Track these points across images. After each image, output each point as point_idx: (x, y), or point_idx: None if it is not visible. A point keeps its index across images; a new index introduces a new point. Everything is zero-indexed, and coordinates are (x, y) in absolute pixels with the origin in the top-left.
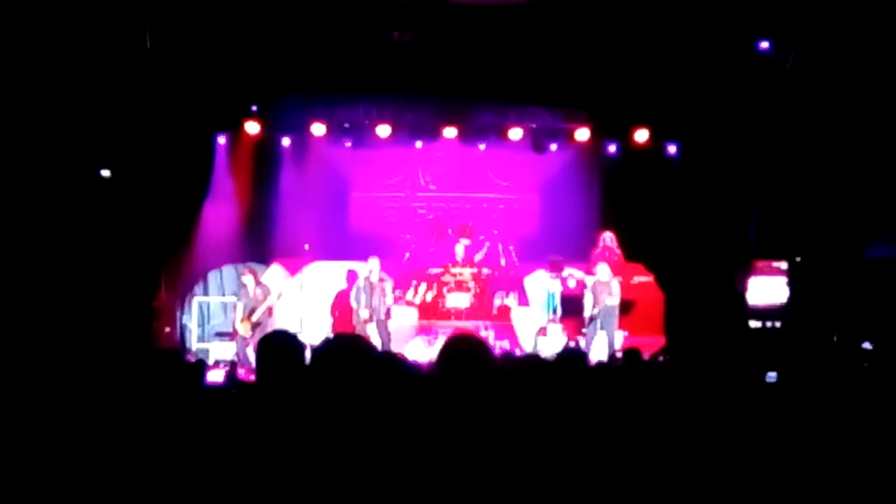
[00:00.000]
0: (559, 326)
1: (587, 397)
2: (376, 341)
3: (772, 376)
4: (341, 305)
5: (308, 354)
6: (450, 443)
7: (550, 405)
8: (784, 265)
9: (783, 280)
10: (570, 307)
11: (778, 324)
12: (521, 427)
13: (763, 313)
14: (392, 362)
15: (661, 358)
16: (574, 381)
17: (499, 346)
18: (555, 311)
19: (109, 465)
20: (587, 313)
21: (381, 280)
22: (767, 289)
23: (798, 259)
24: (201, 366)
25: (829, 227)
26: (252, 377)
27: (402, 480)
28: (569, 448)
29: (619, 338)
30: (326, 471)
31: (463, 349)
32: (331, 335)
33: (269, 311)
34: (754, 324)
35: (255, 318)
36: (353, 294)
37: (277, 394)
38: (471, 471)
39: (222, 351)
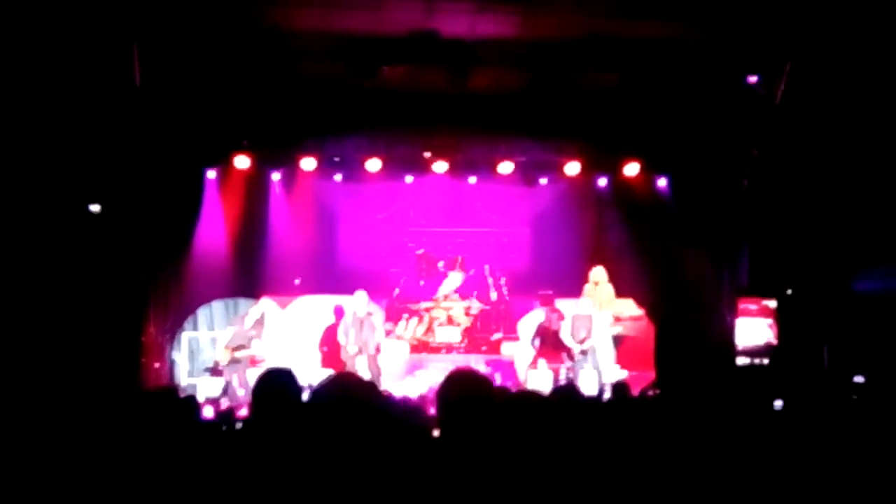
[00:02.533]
0: (545, 360)
1: (578, 433)
2: (365, 376)
3: (778, 405)
4: (329, 340)
5: (305, 393)
6: (455, 482)
7: (545, 441)
8: (773, 303)
9: (767, 321)
10: (549, 339)
11: (766, 360)
12: (523, 463)
13: (751, 352)
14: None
15: (650, 392)
16: (566, 417)
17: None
18: (533, 344)
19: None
20: (569, 345)
21: (370, 314)
22: (753, 329)
23: (789, 292)
24: (193, 403)
25: (819, 260)
26: (240, 412)
27: None
28: (564, 485)
29: (611, 372)
30: None
31: (465, 386)
32: (331, 374)
33: (253, 360)
34: (742, 360)
35: (238, 354)
36: (340, 329)
37: (272, 432)
38: None
39: (211, 386)
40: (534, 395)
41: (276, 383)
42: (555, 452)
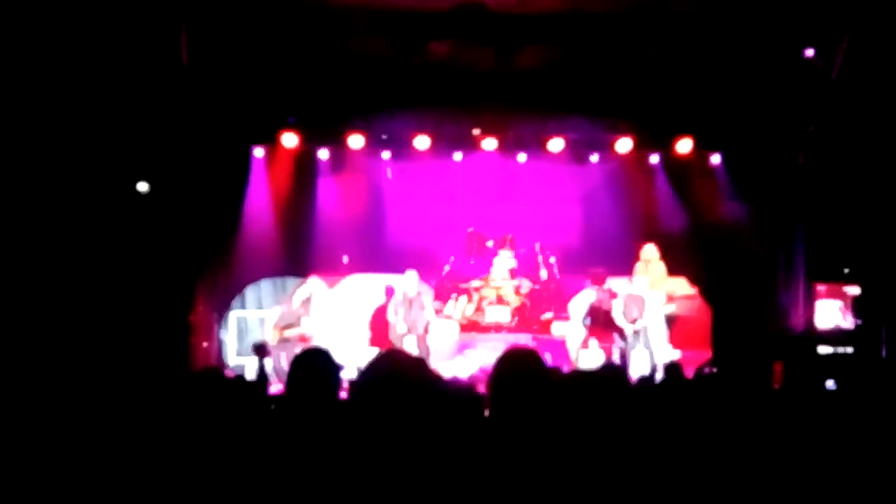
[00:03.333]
0: (596, 340)
1: (626, 414)
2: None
3: (831, 385)
4: (379, 320)
5: (348, 373)
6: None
7: (593, 422)
8: (852, 289)
9: (838, 304)
10: (601, 319)
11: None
12: (573, 444)
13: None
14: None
15: (706, 370)
16: (613, 398)
17: None
18: (584, 324)
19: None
20: (621, 325)
21: (419, 294)
22: (824, 312)
23: (846, 271)
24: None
25: (877, 240)
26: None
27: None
28: (614, 466)
29: (664, 352)
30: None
31: (519, 364)
32: (375, 352)
33: (302, 337)
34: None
35: (287, 333)
36: (390, 308)
37: (307, 412)
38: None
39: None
40: (586, 375)
41: (313, 363)
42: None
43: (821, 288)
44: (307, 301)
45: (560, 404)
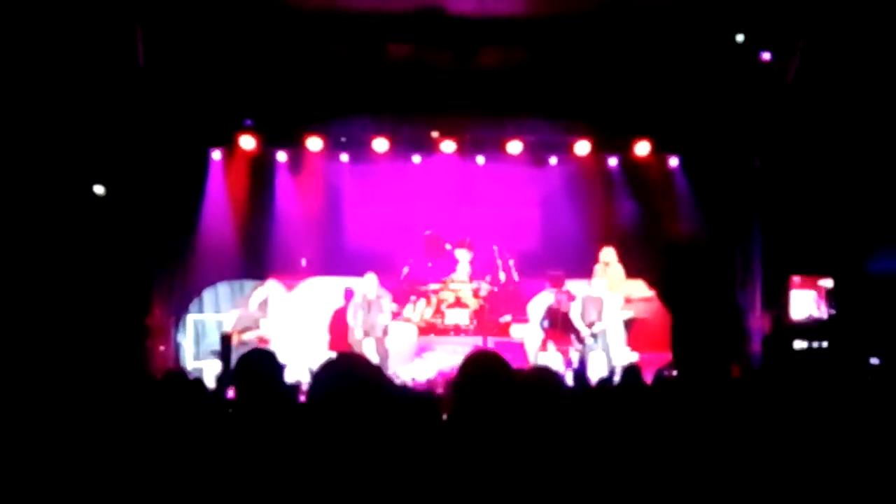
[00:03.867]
0: (554, 342)
1: (591, 417)
2: (373, 358)
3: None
4: (338, 323)
5: (302, 376)
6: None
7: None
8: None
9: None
10: (559, 321)
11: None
12: (536, 447)
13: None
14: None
15: (665, 373)
16: (553, 399)
17: None
18: (542, 326)
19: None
20: (579, 327)
21: (378, 297)
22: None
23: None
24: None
25: (831, 241)
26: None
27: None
28: (576, 468)
29: (622, 355)
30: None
31: (483, 367)
32: (333, 355)
33: (261, 339)
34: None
35: (245, 336)
36: (349, 311)
37: (253, 413)
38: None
39: (217, 369)
40: (550, 375)
41: (256, 364)
42: (568, 437)
43: (796, 279)
44: (264, 303)
45: (523, 407)
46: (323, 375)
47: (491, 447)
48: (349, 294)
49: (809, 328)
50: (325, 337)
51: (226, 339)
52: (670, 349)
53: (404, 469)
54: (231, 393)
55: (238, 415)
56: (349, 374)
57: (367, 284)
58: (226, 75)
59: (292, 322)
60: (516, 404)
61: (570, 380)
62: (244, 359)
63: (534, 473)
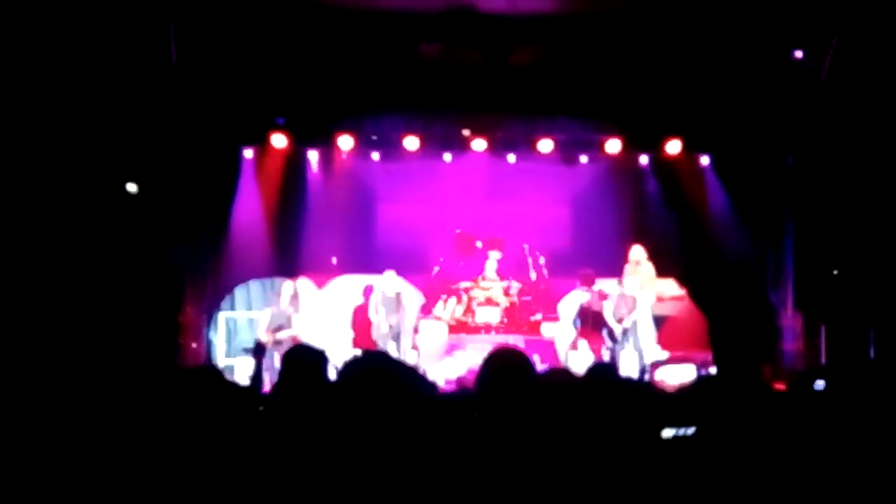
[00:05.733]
0: (585, 341)
1: (617, 414)
2: (399, 355)
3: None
4: (360, 320)
5: (333, 370)
6: (485, 461)
7: (579, 422)
8: None
9: None
10: (591, 320)
11: None
12: (556, 444)
13: None
14: (416, 383)
15: (703, 371)
16: (602, 398)
17: None
18: (575, 325)
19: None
20: (610, 326)
21: (399, 293)
22: None
23: (835, 272)
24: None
25: (865, 240)
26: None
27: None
28: (599, 467)
29: (653, 353)
30: (343, 490)
31: (506, 364)
32: (359, 353)
33: (294, 339)
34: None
35: (279, 335)
36: (371, 308)
37: (298, 409)
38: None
39: (249, 367)
40: (567, 375)
41: (301, 360)
42: (590, 434)
43: None
44: (294, 297)
45: (546, 404)
46: (345, 374)
47: (513, 443)
48: (368, 290)
49: None
50: (350, 334)
51: (260, 347)
52: (702, 347)
53: (434, 464)
54: (266, 389)
55: (280, 410)
56: (371, 373)
57: (386, 281)
58: (258, 74)
59: (323, 319)
60: (537, 401)
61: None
62: (290, 355)
63: (555, 469)
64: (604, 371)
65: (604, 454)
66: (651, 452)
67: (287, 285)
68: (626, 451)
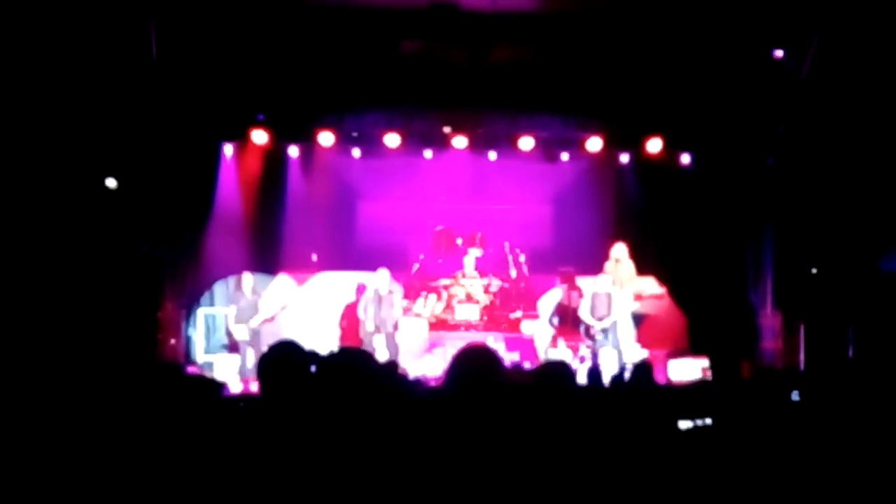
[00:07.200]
0: (564, 339)
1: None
2: (383, 353)
3: (795, 395)
4: (349, 317)
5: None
6: (454, 459)
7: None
8: None
9: None
10: (569, 318)
11: None
12: (525, 441)
13: None
14: (394, 379)
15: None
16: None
17: (508, 358)
18: (552, 322)
19: (113, 479)
20: (589, 323)
21: (391, 292)
22: None
23: (814, 271)
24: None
25: (845, 239)
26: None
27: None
28: (572, 466)
29: (631, 351)
30: (327, 486)
31: (474, 362)
32: (336, 349)
33: (266, 320)
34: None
35: (252, 324)
36: (360, 306)
37: (281, 407)
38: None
39: (228, 363)
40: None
41: (281, 356)
42: (579, 432)
43: None
44: (254, 286)
45: (513, 402)
46: (321, 372)
47: (480, 441)
48: (361, 289)
49: None
50: (336, 332)
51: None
52: (681, 345)
53: (399, 460)
54: (242, 387)
55: (262, 407)
56: (346, 371)
57: (380, 279)
58: (238, 70)
59: (303, 316)
60: (511, 399)
61: (582, 376)
62: (270, 352)
63: (527, 467)
64: (553, 371)
65: (557, 453)
66: (600, 451)
67: (246, 276)
68: (578, 450)
